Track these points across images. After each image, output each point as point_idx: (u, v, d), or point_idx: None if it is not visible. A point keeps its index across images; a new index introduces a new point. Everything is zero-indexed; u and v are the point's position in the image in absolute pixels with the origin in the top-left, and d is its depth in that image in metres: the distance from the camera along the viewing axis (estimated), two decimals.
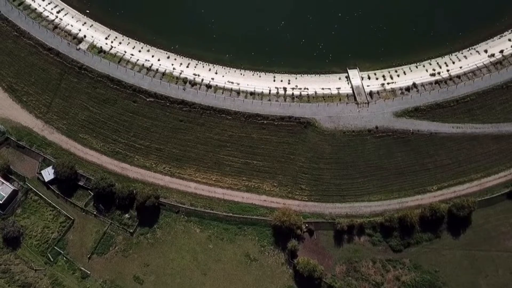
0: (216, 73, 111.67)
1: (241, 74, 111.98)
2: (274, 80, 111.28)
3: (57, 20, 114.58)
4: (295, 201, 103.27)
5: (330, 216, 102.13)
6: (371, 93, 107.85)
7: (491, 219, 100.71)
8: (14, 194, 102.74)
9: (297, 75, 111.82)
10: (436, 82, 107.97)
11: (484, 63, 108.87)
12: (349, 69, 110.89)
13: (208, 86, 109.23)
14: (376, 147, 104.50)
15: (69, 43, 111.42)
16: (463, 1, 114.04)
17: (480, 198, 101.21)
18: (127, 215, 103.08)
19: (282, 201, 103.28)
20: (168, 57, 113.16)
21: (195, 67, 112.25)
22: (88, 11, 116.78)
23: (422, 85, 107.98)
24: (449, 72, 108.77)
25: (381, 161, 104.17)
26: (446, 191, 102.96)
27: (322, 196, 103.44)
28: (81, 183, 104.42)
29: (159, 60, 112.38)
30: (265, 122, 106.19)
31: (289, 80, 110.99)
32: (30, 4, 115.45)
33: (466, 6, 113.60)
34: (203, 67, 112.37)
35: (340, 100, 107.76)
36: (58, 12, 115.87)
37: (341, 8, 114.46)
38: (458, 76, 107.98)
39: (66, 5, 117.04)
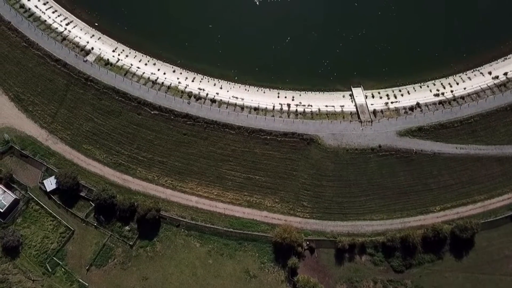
0: (221, 88, 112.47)
1: (245, 89, 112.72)
2: (278, 96, 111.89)
3: (65, 32, 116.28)
4: (296, 218, 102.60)
5: (331, 234, 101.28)
6: (374, 112, 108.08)
7: (494, 242, 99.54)
8: (15, 203, 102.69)
9: (301, 92, 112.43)
10: (440, 102, 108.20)
11: (488, 84, 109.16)
12: (353, 87, 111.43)
13: (213, 101, 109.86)
14: (379, 166, 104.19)
15: (76, 55, 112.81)
16: (468, 23, 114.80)
17: (483, 220, 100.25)
18: (127, 227, 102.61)
19: (284, 217, 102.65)
20: (174, 71, 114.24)
21: (200, 81, 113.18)
22: (96, 24, 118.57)
23: (426, 105, 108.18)
24: (453, 93, 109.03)
25: (384, 180, 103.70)
26: (449, 212, 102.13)
27: (324, 214, 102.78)
28: (82, 194, 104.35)
29: (164, 73, 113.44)
30: (268, 137, 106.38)
31: (293, 97, 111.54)
32: (40, 16, 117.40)
33: (470, 28, 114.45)
34: (208, 81, 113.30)
35: (343, 118, 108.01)
36: (67, 24, 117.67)
37: (345, 27, 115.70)
38: (462, 97, 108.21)
39: (75, 17, 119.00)
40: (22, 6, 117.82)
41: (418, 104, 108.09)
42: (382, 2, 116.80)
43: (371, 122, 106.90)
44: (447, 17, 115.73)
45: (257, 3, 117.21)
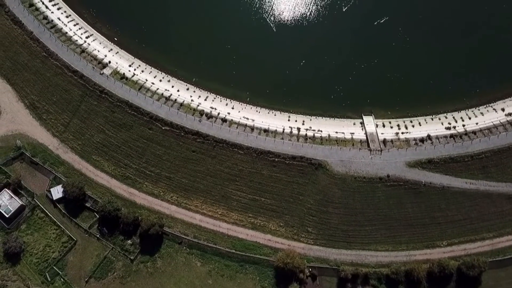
0: (232, 108, 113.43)
1: (257, 111, 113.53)
2: (288, 120, 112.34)
3: (85, 45, 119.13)
4: (300, 244, 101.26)
5: (334, 262, 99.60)
6: (384, 141, 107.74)
7: (502, 282, 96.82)
8: (21, 209, 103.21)
9: (312, 116, 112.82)
10: (451, 136, 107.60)
11: (501, 121, 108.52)
12: (364, 115, 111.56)
13: (224, 120, 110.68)
14: (387, 196, 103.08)
15: (93, 67, 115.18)
16: (482, 59, 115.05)
17: (491, 259, 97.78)
18: (129, 241, 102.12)
19: (287, 242, 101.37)
20: (188, 89, 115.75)
21: (213, 100, 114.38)
22: (116, 39, 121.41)
23: (437, 137, 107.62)
24: (464, 127, 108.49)
25: (391, 210, 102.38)
26: (456, 248, 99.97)
27: (328, 241, 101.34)
28: (88, 205, 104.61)
29: (178, 91, 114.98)
30: (276, 160, 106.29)
31: (303, 121, 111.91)
32: (62, 28, 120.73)
33: (484, 64, 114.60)
34: (221, 101, 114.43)
35: (353, 145, 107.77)
36: (87, 37, 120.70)
37: (359, 55, 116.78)
38: (474, 132, 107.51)
39: (95, 31, 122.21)
40: (46, 17, 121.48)
41: (429, 136, 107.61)
42: (396, 33, 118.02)
43: (381, 151, 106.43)
44: (462, 51, 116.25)
45: (274, 30, 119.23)
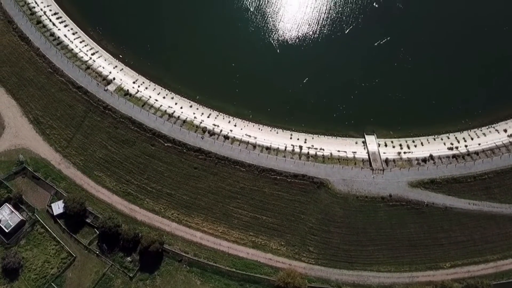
0: (235, 125, 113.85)
1: (259, 128, 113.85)
2: (291, 138, 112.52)
3: (90, 61, 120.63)
4: (301, 263, 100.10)
5: (336, 283, 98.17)
6: (387, 161, 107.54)
7: None
8: (21, 224, 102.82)
9: (314, 135, 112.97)
10: (454, 156, 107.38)
11: (503, 142, 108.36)
12: (367, 134, 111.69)
13: (226, 137, 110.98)
14: (389, 215, 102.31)
15: (98, 84, 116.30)
16: (483, 80, 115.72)
17: (495, 282, 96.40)
18: (129, 258, 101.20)
19: (288, 261, 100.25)
20: (191, 106, 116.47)
21: (215, 117, 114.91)
22: (121, 56, 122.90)
23: (439, 157, 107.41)
24: (467, 147, 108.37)
25: (393, 230, 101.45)
26: (460, 269, 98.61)
27: (329, 261, 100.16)
28: (88, 220, 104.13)
29: (181, 108, 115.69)
30: (278, 177, 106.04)
31: (305, 139, 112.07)
32: (68, 45, 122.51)
33: (486, 85, 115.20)
34: (223, 118, 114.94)
35: (355, 164, 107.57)
36: (92, 54, 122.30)
37: (360, 75, 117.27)
38: (476, 153, 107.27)
39: (101, 48, 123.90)
40: (52, 34, 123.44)
41: (431, 156, 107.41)
42: (398, 54, 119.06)
43: (383, 170, 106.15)
44: (464, 72, 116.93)
45: (278, 51, 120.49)
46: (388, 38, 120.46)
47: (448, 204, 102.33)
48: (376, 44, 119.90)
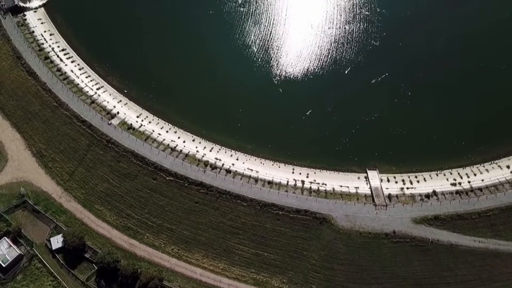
0: (237, 159, 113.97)
1: (261, 162, 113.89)
2: (293, 172, 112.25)
3: (95, 96, 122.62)
4: None
5: None
6: (389, 196, 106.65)
7: None
8: (19, 258, 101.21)
9: (316, 169, 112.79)
10: (457, 192, 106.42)
11: (507, 178, 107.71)
12: (369, 170, 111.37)
13: (228, 171, 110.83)
14: (393, 253, 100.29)
15: (102, 118, 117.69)
16: (485, 116, 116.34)
17: None
18: None
19: None
20: (193, 140, 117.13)
21: (217, 151, 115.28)
22: (125, 91, 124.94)
23: (443, 193, 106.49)
24: (470, 183, 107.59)
25: (398, 268, 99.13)
26: None
27: None
28: (87, 255, 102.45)
29: (184, 141, 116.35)
30: (280, 213, 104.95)
31: (307, 174, 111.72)
32: (74, 80, 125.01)
33: (487, 121, 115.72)
34: (226, 152, 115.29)
35: (358, 199, 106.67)
36: (97, 89, 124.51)
37: (362, 109, 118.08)
38: (480, 189, 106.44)
39: (106, 83, 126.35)
40: (59, 69, 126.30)
41: (434, 192, 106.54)
42: (399, 89, 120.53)
43: (386, 206, 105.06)
44: (465, 108, 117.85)
45: (281, 90, 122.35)
46: (386, 74, 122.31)
47: (453, 241, 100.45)
48: (373, 81, 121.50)
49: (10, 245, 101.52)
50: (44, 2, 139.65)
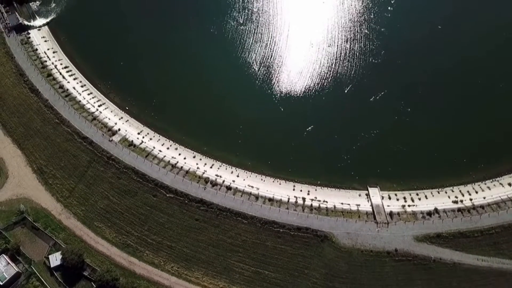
0: (237, 176, 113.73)
1: (262, 179, 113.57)
2: (293, 189, 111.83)
3: (97, 113, 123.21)
4: None
5: None
6: (391, 214, 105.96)
7: None
8: (17, 276, 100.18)
9: (317, 186, 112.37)
10: (459, 210, 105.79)
11: (509, 196, 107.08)
12: (370, 187, 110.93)
13: (228, 188, 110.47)
14: (395, 271, 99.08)
15: (103, 134, 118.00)
16: (486, 133, 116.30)
17: None
18: None
19: None
20: (194, 157, 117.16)
21: (218, 168, 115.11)
22: (127, 108, 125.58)
23: (444, 211, 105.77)
24: (472, 201, 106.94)
25: (400, 287, 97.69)
26: None
27: None
28: (85, 273, 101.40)
29: (185, 158, 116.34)
30: (281, 230, 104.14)
31: (308, 191, 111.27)
32: (76, 97, 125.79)
33: (488, 138, 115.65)
34: (226, 169, 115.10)
35: (359, 217, 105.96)
36: (99, 106, 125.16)
37: (360, 127, 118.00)
38: (482, 207, 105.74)
39: (108, 100, 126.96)
40: (62, 86, 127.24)
41: (436, 210, 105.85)
42: (399, 106, 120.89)
43: (387, 224, 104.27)
44: (465, 125, 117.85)
45: (282, 109, 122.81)
46: (385, 91, 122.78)
47: (456, 260, 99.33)
48: (372, 99, 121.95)
49: (8, 263, 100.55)
50: (48, 20, 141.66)
